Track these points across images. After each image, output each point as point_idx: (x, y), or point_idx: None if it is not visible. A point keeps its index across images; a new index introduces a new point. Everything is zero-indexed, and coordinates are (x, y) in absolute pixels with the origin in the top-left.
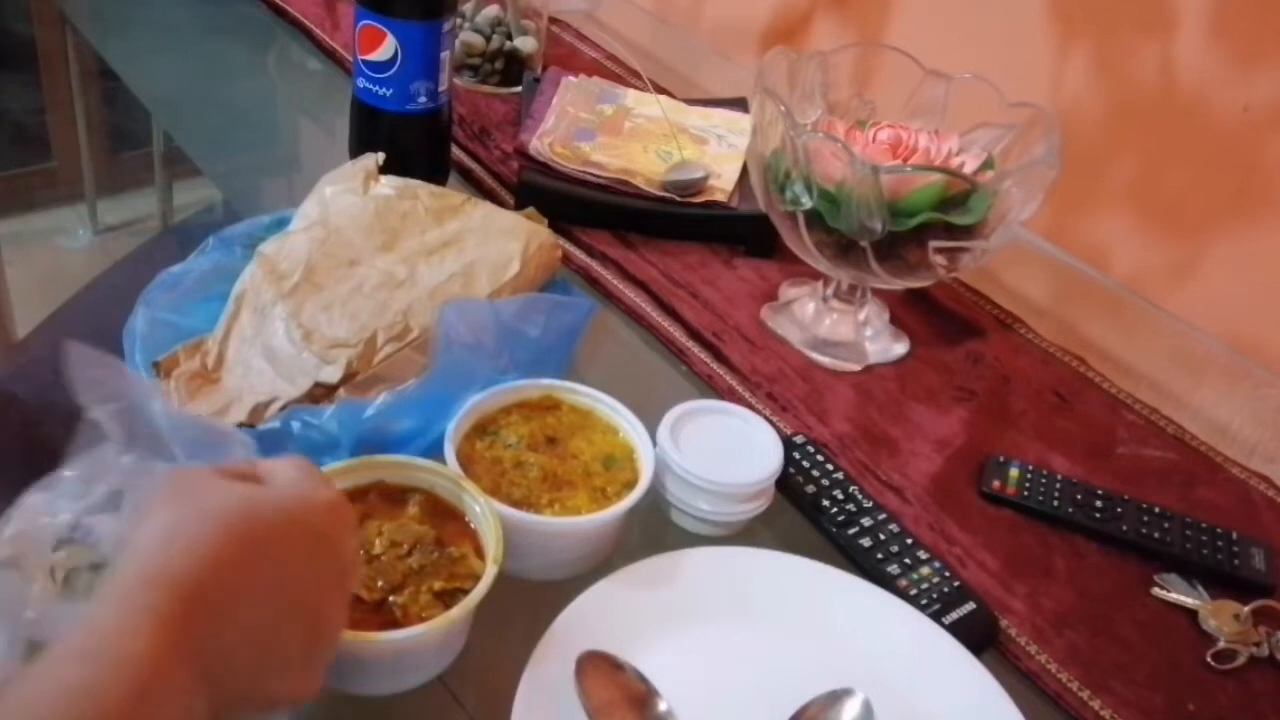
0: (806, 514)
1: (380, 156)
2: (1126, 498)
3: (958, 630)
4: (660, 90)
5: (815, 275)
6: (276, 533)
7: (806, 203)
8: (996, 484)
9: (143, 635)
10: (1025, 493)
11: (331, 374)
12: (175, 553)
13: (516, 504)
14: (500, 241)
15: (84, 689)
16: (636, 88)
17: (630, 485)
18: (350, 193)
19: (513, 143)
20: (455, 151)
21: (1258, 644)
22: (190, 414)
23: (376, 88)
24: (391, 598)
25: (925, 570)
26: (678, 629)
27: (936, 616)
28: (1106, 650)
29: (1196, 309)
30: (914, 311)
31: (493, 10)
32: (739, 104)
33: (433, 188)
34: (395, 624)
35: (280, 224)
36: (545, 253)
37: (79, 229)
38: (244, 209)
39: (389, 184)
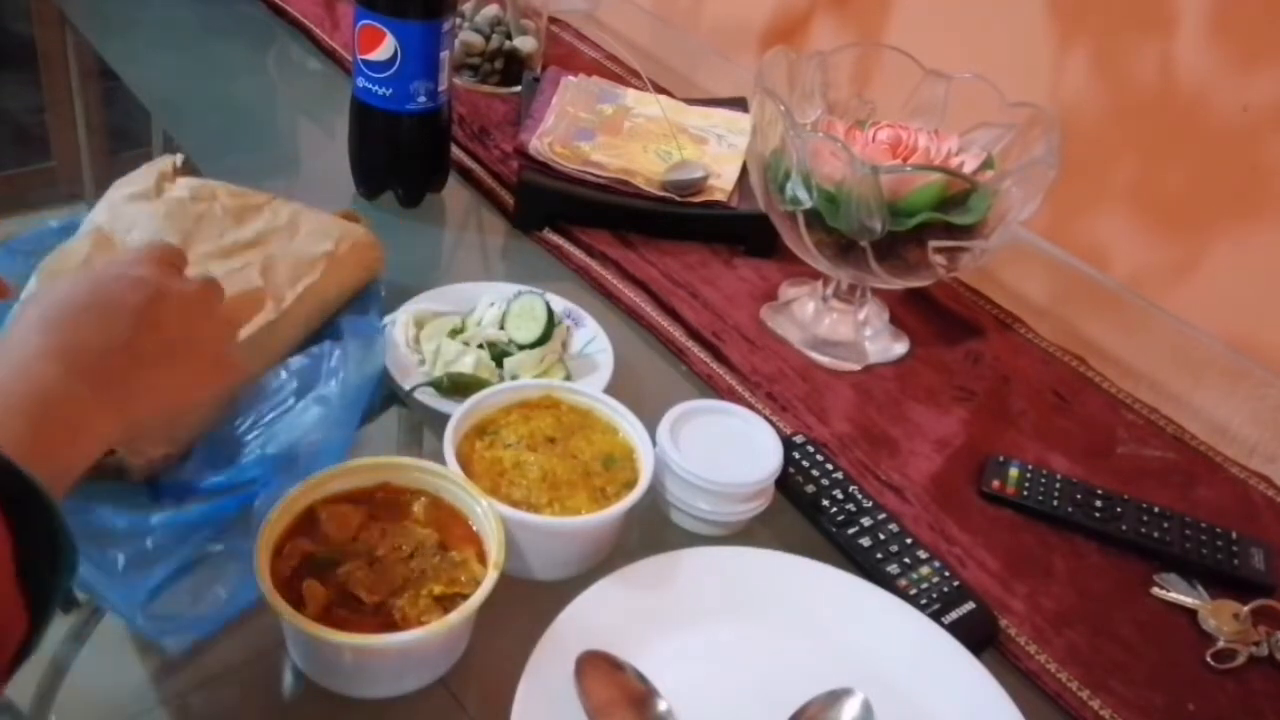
0: (806, 514)
1: (179, 158)
2: (1126, 498)
3: (957, 630)
4: (660, 90)
5: (815, 275)
6: (96, 288)
7: (806, 202)
8: (996, 484)
9: (27, 340)
10: (1025, 492)
11: None
12: (44, 297)
13: (516, 504)
14: (307, 242)
15: None
16: (636, 87)
17: (630, 485)
18: (142, 198)
19: (512, 142)
20: (455, 151)
21: (1257, 644)
22: None
23: (376, 87)
24: (391, 600)
25: (925, 570)
26: (678, 629)
27: (936, 616)
28: (1106, 650)
29: (1196, 309)
30: (914, 311)
31: (492, 10)
32: (739, 104)
33: (232, 187)
34: (394, 627)
35: (69, 230)
36: (360, 253)
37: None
38: None
39: (184, 185)
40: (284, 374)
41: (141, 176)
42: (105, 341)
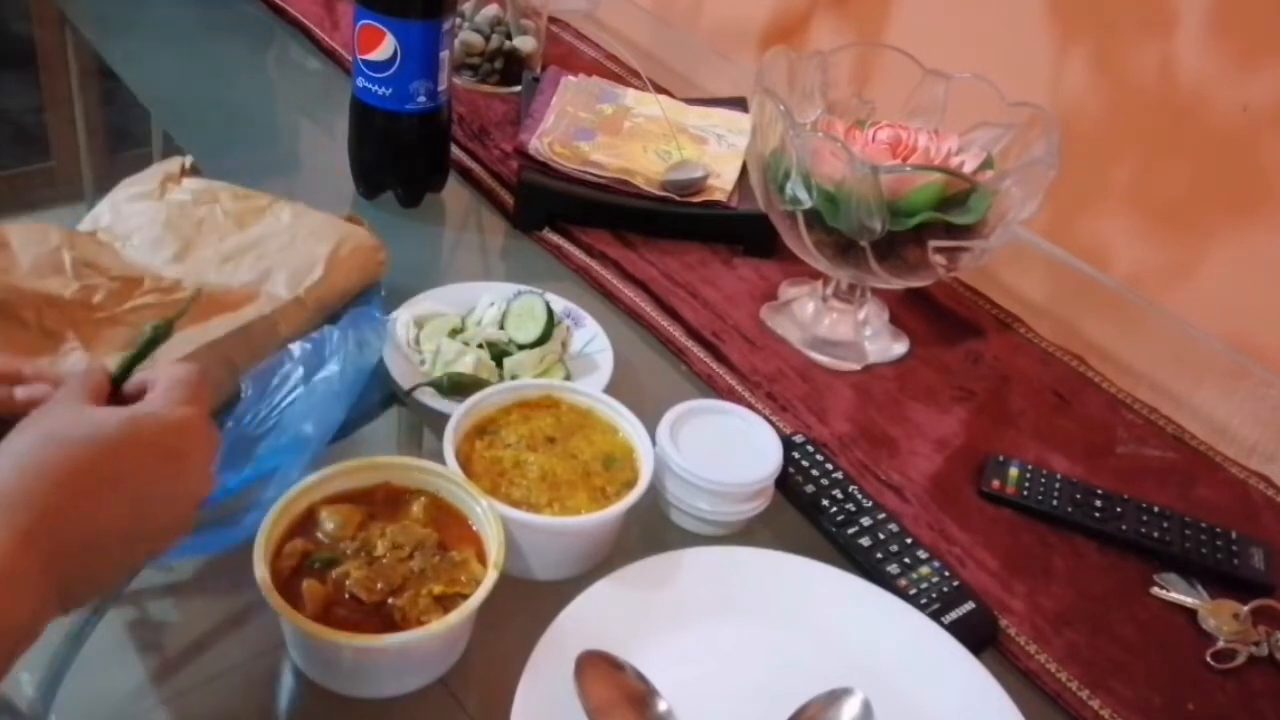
0: (806, 514)
1: (188, 160)
2: (1126, 497)
3: (957, 630)
4: (660, 90)
5: (815, 275)
6: (121, 453)
7: (806, 202)
8: (996, 483)
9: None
10: (1025, 492)
11: None
12: (28, 476)
13: (516, 504)
14: (307, 244)
15: None
16: (636, 87)
17: (630, 485)
18: (144, 198)
19: (512, 142)
20: (455, 151)
21: (1257, 643)
22: None
23: (376, 87)
24: (391, 600)
25: (925, 570)
26: (678, 629)
27: (936, 616)
28: (1106, 650)
29: (1196, 309)
30: (914, 311)
31: (492, 10)
32: (739, 104)
33: (236, 189)
34: (394, 626)
35: None
36: (361, 255)
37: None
38: None
39: (187, 188)
40: (288, 363)
41: (148, 177)
42: (89, 523)
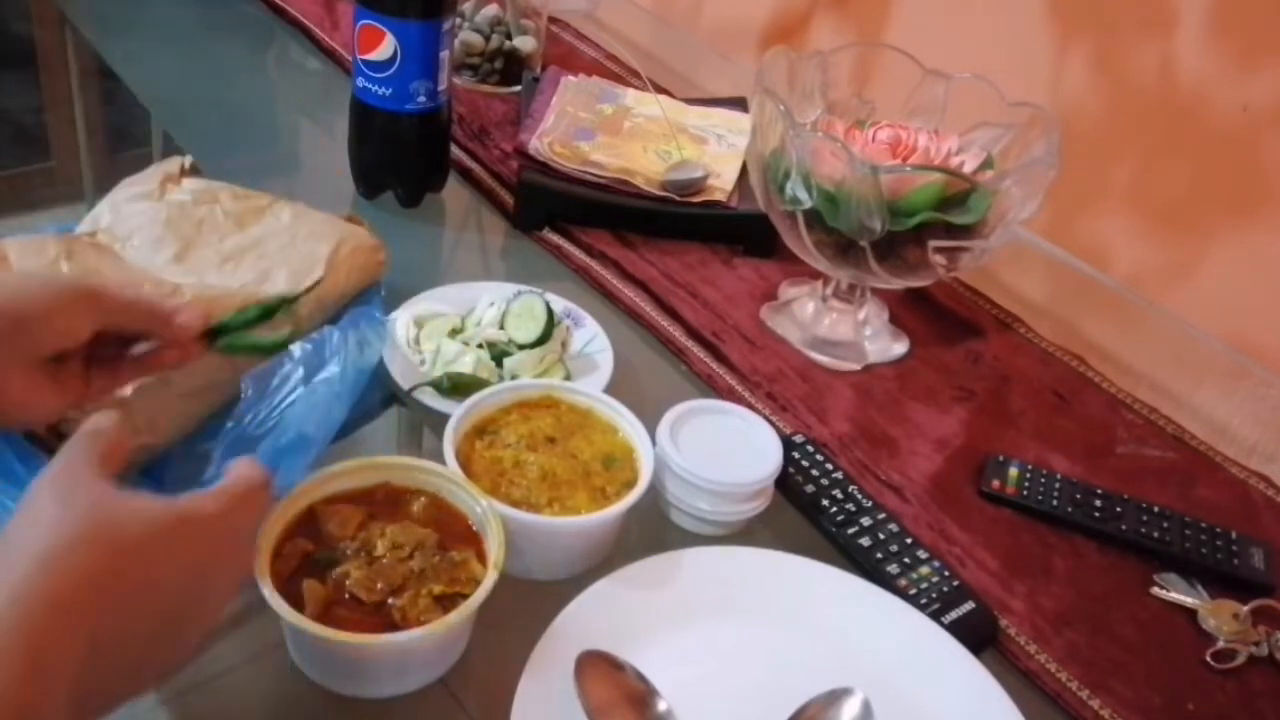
0: (806, 514)
1: (188, 159)
2: (1126, 497)
3: (957, 630)
4: (660, 90)
5: (815, 275)
6: (151, 557)
7: (806, 202)
8: (996, 483)
9: (12, 656)
10: (1025, 492)
11: None
12: (53, 571)
13: (516, 504)
14: (307, 244)
15: None
16: (636, 87)
17: (630, 485)
18: (144, 198)
19: (512, 142)
20: (454, 151)
21: (1257, 643)
22: None
23: (376, 87)
24: (391, 600)
25: (925, 570)
26: (677, 629)
27: (936, 616)
28: (1106, 650)
29: (1196, 309)
30: (914, 311)
31: (492, 10)
32: (738, 104)
33: (236, 189)
34: (394, 626)
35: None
36: (361, 255)
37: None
38: None
39: (187, 188)
40: (288, 364)
41: (148, 177)
42: (119, 641)
